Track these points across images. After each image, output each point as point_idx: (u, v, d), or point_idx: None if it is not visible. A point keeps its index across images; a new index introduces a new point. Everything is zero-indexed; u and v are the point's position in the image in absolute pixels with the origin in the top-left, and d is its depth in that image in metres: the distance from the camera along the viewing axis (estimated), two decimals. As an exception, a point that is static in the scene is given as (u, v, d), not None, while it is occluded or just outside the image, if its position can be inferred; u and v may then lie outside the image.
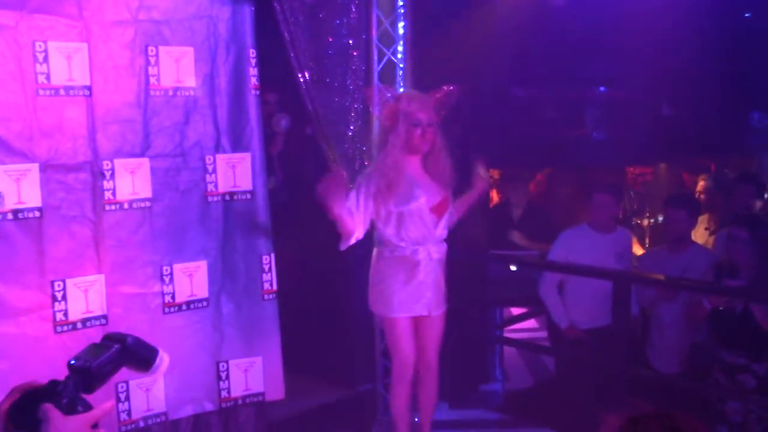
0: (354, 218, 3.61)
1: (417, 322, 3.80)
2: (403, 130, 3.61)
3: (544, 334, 5.48)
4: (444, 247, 3.82)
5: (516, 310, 6.12)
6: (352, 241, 3.63)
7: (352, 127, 4.20)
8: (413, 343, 3.82)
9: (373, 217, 3.70)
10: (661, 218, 6.03)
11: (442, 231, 3.78)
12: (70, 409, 1.51)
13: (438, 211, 3.73)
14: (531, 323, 6.42)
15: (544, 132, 6.11)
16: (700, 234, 5.12)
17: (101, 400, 1.62)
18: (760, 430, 3.82)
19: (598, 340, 4.50)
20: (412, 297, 3.72)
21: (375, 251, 3.83)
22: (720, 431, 3.90)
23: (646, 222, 6.33)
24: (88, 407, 1.54)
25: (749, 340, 3.84)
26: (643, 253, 5.32)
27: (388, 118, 3.68)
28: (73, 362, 1.58)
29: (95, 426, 1.53)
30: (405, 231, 3.67)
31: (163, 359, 1.70)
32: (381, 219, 3.70)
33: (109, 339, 1.67)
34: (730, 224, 4.19)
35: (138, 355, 1.68)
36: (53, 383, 1.54)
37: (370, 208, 3.66)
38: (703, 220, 5.18)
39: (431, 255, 3.73)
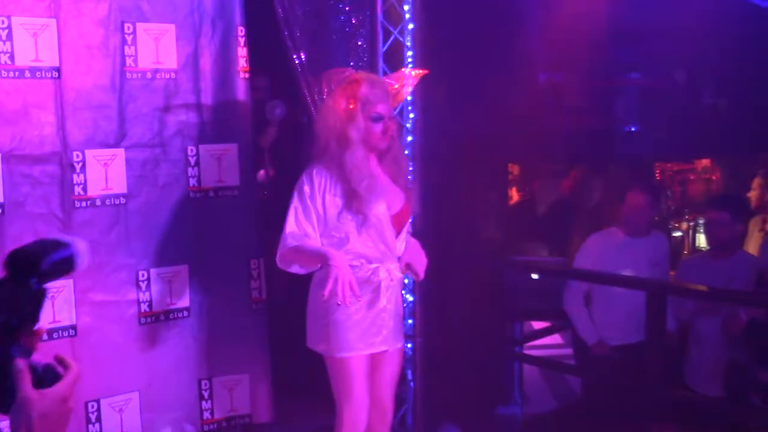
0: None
1: (372, 361, 3.49)
2: (361, 125, 3.31)
3: (569, 351, 5.47)
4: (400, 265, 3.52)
5: (538, 324, 6.13)
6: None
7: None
8: (368, 389, 3.47)
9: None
10: (702, 221, 6.03)
11: (400, 246, 3.50)
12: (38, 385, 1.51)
13: (398, 221, 3.46)
14: (554, 339, 6.42)
15: (570, 123, 6.11)
16: (755, 238, 5.11)
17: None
18: None
19: (630, 358, 4.50)
20: (370, 330, 3.40)
21: (317, 275, 3.43)
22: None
23: (685, 225, 6.34)
24: (55, 377, 1.53)
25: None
26: (683, 261, 5.32)
27: (347, 106, 3.33)
28: None
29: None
30: (362, 246, 3.36)
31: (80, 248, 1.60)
32: (332, 231, 3.37)
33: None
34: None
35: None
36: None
37: (321, 216, 3.34)
38: (757, 223, 5.16)
39: (392, 275, 3.42)
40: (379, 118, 3.34)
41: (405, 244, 3.56)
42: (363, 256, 3.37)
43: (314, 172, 3.34)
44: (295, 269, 3.38)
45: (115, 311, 3.67)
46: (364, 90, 3.32)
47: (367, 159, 3.38)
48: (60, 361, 1.57)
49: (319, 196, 3.32)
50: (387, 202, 3.39)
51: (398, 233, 3.46)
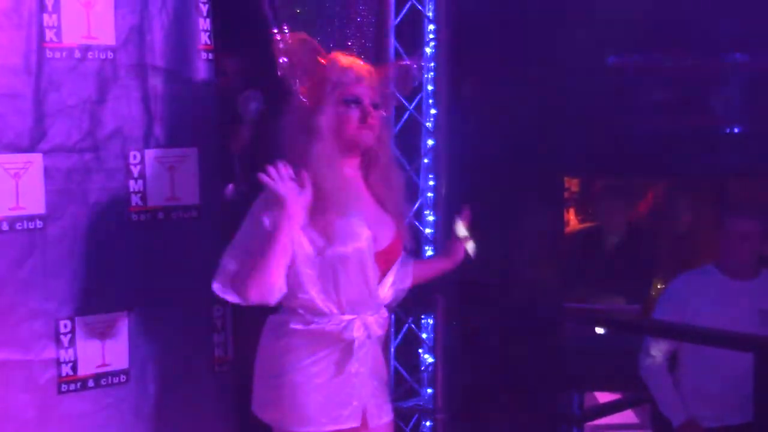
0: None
1: None
2: (331, 111, 3.39)
3: (648, 433, 5.44)
4: (386, 316, 3.60)
5: (604, 396, 6.14)
6: (276, 296, 3.38)
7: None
8: None
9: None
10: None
11: (387, 292, 3.56)
12: None
13: (386, 258, 3.51)
14: (627, 417, 6.44)
15: (649, 122, 6.09)
16: None
17: None
18: None
19: (733, 445, 4.49)
20: (337, 399, 3.45)
21: (271, 320, 3.55)
22: None
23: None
24: None
25: None
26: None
27: (313, 91, 3.44)
28: None
29: None
30: (335, 288, 3.40)
31: None
32: (296, 266, 3.40)
33: None
34: None
35: None
36: None
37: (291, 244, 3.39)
38: None
39: (370, 331, 3.47)
40: (354, 101, 3.40)
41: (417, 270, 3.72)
42: (338, 301, 3.41)
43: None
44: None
45: (26, 375, 3.63)
46: (334, 70, 3.41)
47: (342, 162, 3.44)
48: None
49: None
50: (373, 232, 3.43)
51: (383, 275, 3.50)
